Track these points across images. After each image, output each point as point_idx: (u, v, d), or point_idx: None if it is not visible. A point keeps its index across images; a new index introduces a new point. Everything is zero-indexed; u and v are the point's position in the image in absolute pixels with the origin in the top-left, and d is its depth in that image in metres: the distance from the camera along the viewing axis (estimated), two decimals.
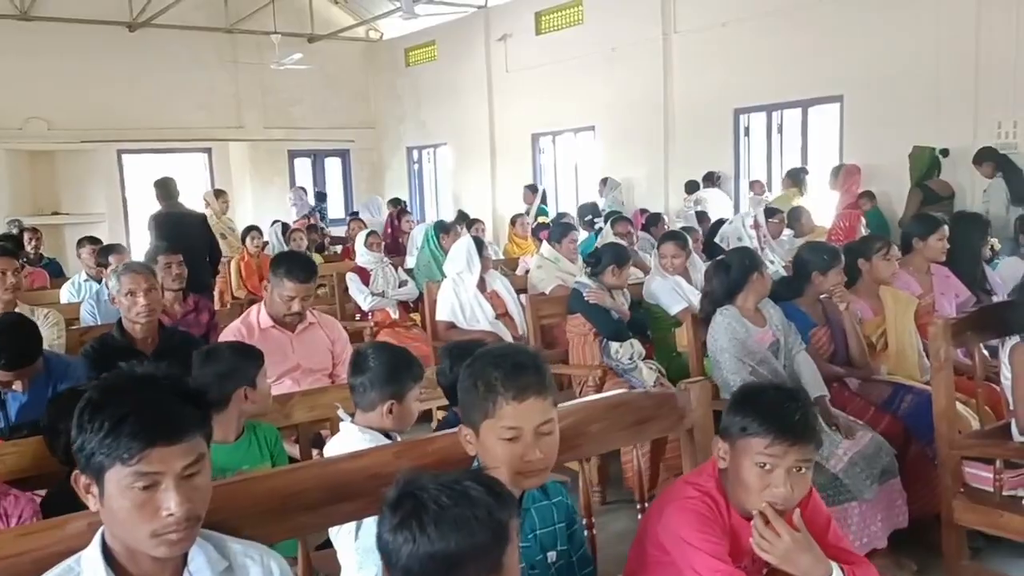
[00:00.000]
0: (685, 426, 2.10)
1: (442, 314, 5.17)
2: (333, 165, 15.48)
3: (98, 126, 12.02)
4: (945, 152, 7.50)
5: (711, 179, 9.00)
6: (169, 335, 3.21)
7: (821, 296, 3.84)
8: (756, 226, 5.49)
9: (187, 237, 5.87)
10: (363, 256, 6.34)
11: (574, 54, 11.04)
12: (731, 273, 3.67)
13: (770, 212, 7.07)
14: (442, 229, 7.07)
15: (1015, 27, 7.01)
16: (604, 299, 4.33)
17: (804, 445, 1.79)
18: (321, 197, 11.13)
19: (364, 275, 6.24)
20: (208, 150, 13.22)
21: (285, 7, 13.25)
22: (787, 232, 7.32)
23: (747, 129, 9.44)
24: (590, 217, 8.27)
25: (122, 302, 3.15)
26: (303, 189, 12.93)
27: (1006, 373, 3.00)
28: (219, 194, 9.02)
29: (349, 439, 2.30)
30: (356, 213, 9.37)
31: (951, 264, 4.40)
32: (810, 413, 1.86)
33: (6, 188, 11.32)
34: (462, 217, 8.76)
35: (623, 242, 5.72)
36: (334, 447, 2.31)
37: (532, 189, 10.89)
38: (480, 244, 5.22)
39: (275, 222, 9.20)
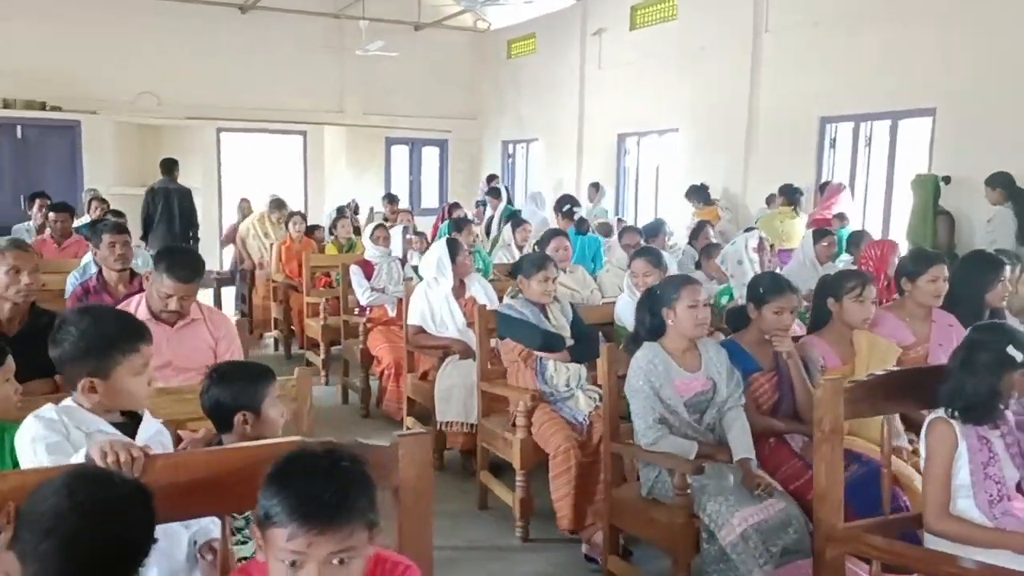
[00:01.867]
0: (390, 484, 1.79)
1: (412, 318, 4.98)
2: (430, 154, 15.53)
3: (202, 103, 12.53)
4: (947, 180, 7.11)
5: (786, 193, 8.31)
6: (37, 316, 3.15)
7: (765, 336, 3.36)
8: (760, 249, 4.93)
9: (173, 206, 8.76)
10: (369, 250, 6.22)
11: (664, 52, 10.55)
12: (655, 304, 3.27)
13: (820, 235, 6.44)
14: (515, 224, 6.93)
15: None
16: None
17: (339, 530, 1.40)
18: (392, 198, 11.10)
19: (368, 269, 6.13)
20: (304, 133, 13.50)
21: None
22: (845, 257, 6.66)
23: (833, 140, 8.66)
24: (568, 207, 7.87)
25: (0, 278, 3.10)
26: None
27: (922, 452, 2.48)
28: (276, 205, 9.04)
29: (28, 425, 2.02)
30: (343, 208, 9.28)
31: (952, 309, 3.77)
32: (354, 486, 1.45)
33: (113, 159, 11.98)
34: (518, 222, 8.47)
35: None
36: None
37: (595, 187, 10.49)
38: (456, 249, 4.96)
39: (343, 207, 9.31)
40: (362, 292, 5.97)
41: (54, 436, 1.96)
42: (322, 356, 6.75)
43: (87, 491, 1.47)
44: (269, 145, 13.61)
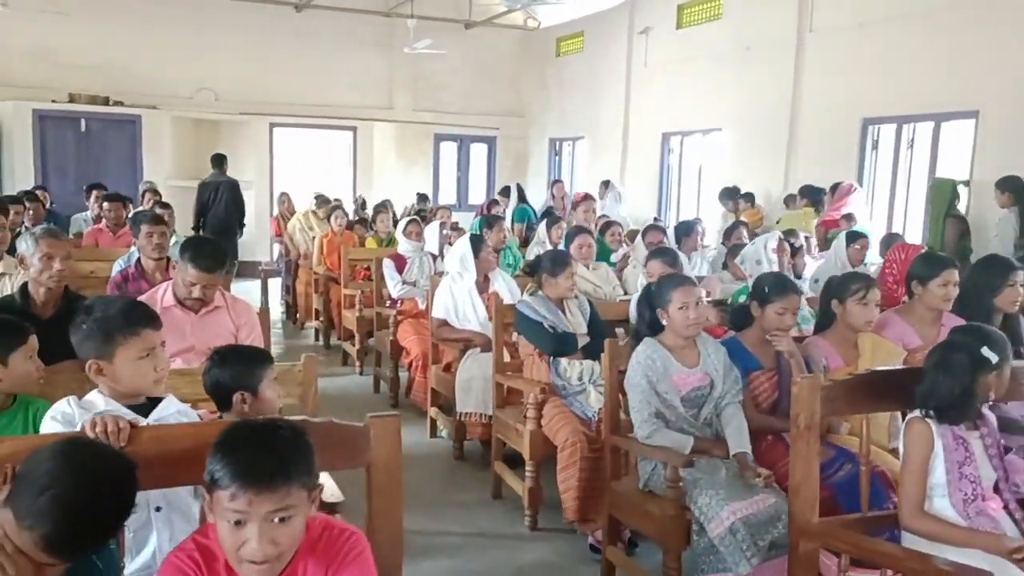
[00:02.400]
0: (363, 462, 1.92)
1: (436, 311, 5.13)
2: (478, 151, 15.70)
3: (256, 99, 12.91)
4: (966, 183, 7.19)
5: (808, 194, 8.30)
6: (70, 301, 3.36)
7: (766, 335, 3.41)
8: (780, 250, 4.93)
9: (223, 198, 9.67)
10: (402, 244, 6.39)
11: (709, 51, 10.53)
12: (653, 302, 3.35)
13: (853, 236, 6.39)
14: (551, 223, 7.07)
15: None
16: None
17: (276, 490, 1.53)
18: (422, 198, 11.39)
19: (401, 263, 6.30)
20: (353, 128, 13.80)
21: None
22: (878, 259, 6.60)
23: (876, 143, 8.55)
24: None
25: (35, 264, 3.32)
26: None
27: (901, 451, 2.53)
28: (321, 202, 9.40)
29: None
30: (386, 202, 9.52)
31: (961, 313, 3.75)
32: (291, 451, 1.58)
33: (171, 152, 12.43)
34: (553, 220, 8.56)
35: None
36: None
37: (606, 184, 10.52)
38: (479, 245, 5.09)
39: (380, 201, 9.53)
40: (393, 285, 6.15)
41: (65, 428, 2.12)
42: (357, 347, 6.96)
43: (79, 456, 1.64)
44: (321, 140, 13.94)
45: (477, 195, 15.41)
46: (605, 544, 3.49)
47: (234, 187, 9.87)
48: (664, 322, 3.28)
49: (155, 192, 8.59)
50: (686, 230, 7.02)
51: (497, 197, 10.45)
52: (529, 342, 4.10)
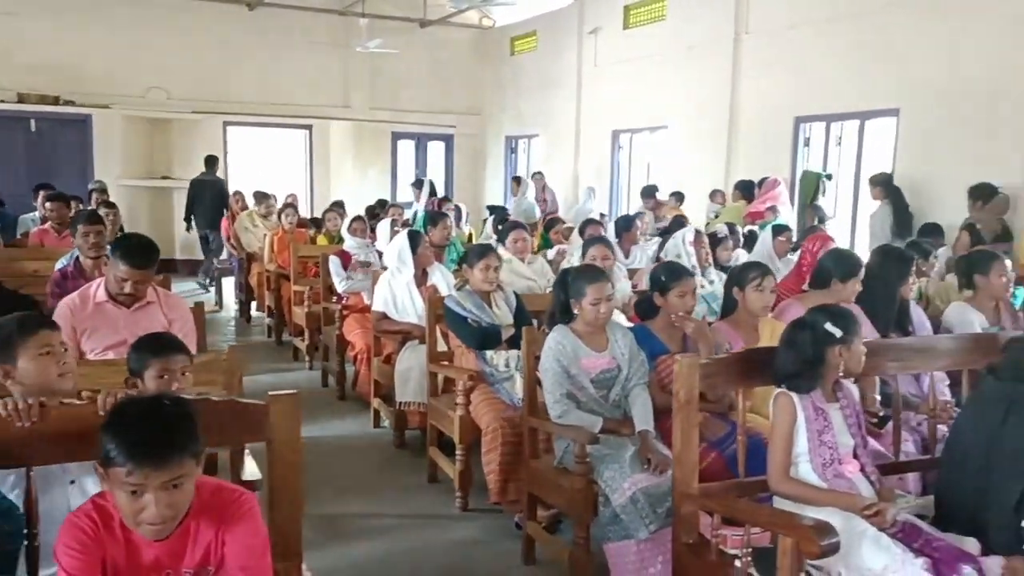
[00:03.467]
0: (264, 438, 2.13)
1: (376, 305, 5.32)
2: (436, 149, 15.89)
3: (209, 98, 12.95)
4: (829, 176, 8.15)
5: (741, 188, 8.75)
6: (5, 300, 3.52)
7: (673, 320, 3.67)
8: (697, 243, 5.20)
9: (206, 196, 10.79)
10: (348, 241, 6.57)
11: (654, 51, 10.85)
12: (568, 291, 3.58)
13: (779, 229, 6.70)
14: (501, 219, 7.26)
15: None
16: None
17: (168, 463, 1.71)
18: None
19: (346, 259, 6.48)
20: (309, 127, 13.90)
21: None
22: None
23: (808, 140, 8.90)
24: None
25: None
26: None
27: (770, 422, 2.79)
28: (260, 197, 9.60)
29: None
30: (340, 202, 9.80)
31: (863, 303, 4.04)
32: (177, 425, 1.75)
33: (121, 151, 12.44)
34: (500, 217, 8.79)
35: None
36: None
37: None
38: (417, 240, 5.30)
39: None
40: (339, 281, 6.33)
41: None
42: (306, 342, 7.13)
43: None
44: (276, 139, 14.02)
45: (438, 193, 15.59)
46: (525, 519, 3.72)
47: (215, 185, 10.95)
48: (576, 311, 3.51)
49: (103, 192, 8.67)
50: (626, 225, 7.28)
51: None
52: (455, 335, 4.31)
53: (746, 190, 8.44)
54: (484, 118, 15.64)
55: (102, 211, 8.18)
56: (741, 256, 6.84)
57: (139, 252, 3.55)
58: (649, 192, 9.99)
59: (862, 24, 7.94)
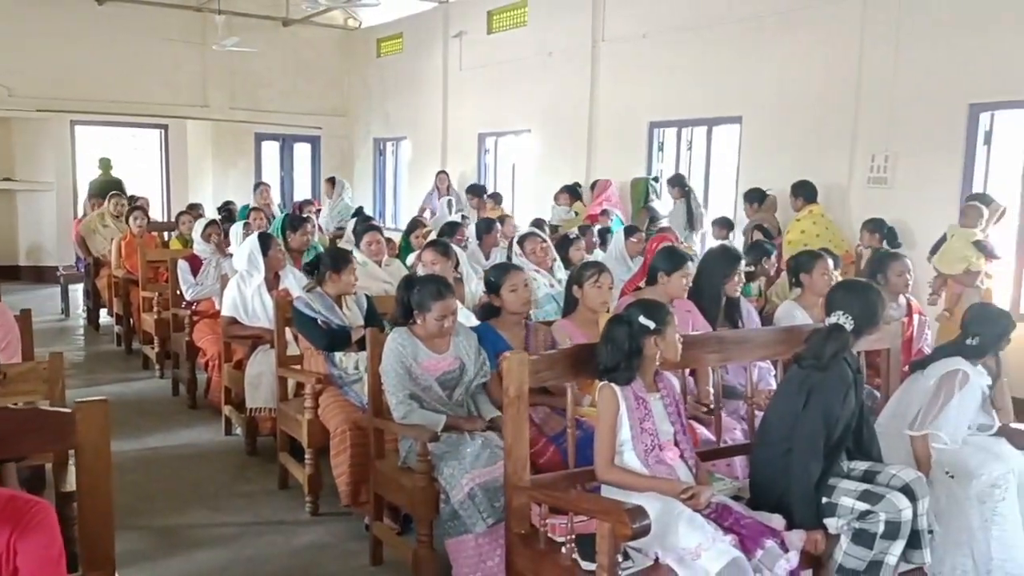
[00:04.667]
0: (70, 446, 2.06)
1: (225, 310, 5.20)
2: (302, 151, 15.58)
3: (55, 96, 12.21)
4: (656, 179, 8.85)
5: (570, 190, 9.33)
6: None
7: (511, 316, 3.77)
8: (533, 244, 5.32)
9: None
10: (198, 245, 6.37)
11: (517, 56, 11.01)
12: (412, 295, 3.61)
13: (630, 231, 6.96)
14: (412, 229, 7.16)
15: (893, 64, 6.80)
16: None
17: None
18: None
19: (197, 264, 6.29)
20: (164, 127, 13.36)
21: None
22: None
23: (662, 144, 9.29)
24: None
25: None
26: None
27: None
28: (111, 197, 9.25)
29: None
30: (196, 205, 9.60)
31: (694, 298, 4.27)
32: None
33: None
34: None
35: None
36: None
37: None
38: (268, 244, 5.20)
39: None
40: (187, 287, 6.13)
41: None
42: (156, 349, 6.86)
43: None
44: (129, 140, 13.41)
45: (303, 195, 15.28)
46: (372, 520, 3.73)
47: (120, 186, 10.89)
48: (419, 321, 3.55)
49: None
50: (487, 228, 7.37)
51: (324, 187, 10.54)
52: (303, 336, 4.27)
53: (574, 194, 8.95)
54: (352, 120, 15.45)
55: None
56: (598, 256, 7.07)
57: None
58: (476, 191, 10.52)
59: (707, 35, 8.35)
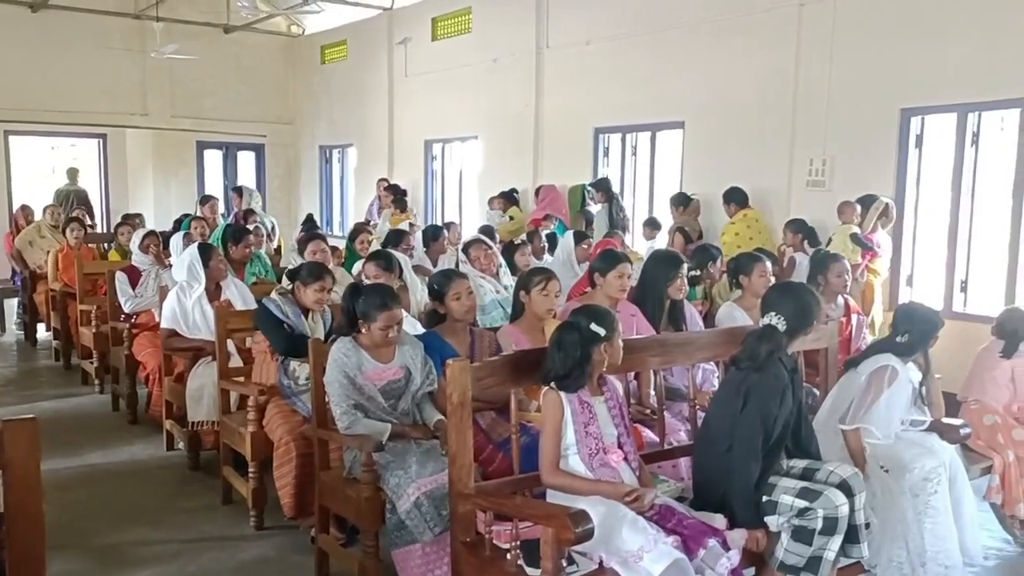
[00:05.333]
0: None
1: (164, 321, 5.10)
2: (246, 159, 15.36)
3: None
4: (592, 185, 8.86)
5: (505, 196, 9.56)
6: None
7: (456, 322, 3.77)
8: (478, 250, 5.32)
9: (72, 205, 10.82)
10: (136, 257, 6.24)
11: (462, 63, 11.01)
12: (357, 304, 3.58)
13: (579, 237, 6.99)
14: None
15: (828, 70, 6.98)
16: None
17: None
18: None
19: (136, 275, 6.15)
20: (103, 136, 13.06)
21: None
22: None
23: (607, 149, 9.38)
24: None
25: None
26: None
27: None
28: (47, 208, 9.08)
29: None
30: (134, 215, 9.42)
31: (639, 302, 4.32)
32: None
33: None
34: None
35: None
36: None
37: (237, 192, 10.71)
38: (209, 254, 5.11)
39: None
40: (125, 300, 6.00)
41: None
42: (95, 364, 6.70)
43: None
44: (67, 149, 13.08)
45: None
46: (318, 533, 3.68)
47: (83, 196, 11.46)
48: (364, 330, 3.52)
49: None
50: (434, 235, 7.36)
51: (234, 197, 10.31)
52: (265, 336, 4.19)
53: (509, 198, 9.20)
54: (297, 127, 15.29)
55: None
56: (547, 261, 7.09)
57: None
58: (396, 191, 10.78)
59: (649, 42, 8.45)
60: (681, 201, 7.81)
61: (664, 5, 8.33)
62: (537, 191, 9.05)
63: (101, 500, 4.55)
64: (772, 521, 2.86)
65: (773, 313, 2.99)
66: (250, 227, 7.25)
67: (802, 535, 2.82)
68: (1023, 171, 6.02)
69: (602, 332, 2.78)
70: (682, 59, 8.15)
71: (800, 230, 6.76)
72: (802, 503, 2.81)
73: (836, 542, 2.81)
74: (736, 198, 7.30)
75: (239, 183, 14.96)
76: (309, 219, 9.13)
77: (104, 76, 13.14)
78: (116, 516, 4.30)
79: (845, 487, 2.88)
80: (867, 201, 6.54)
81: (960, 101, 6.28)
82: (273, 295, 4.39)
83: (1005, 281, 6.15)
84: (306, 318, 4.34)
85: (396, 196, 10.36)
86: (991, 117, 6.32)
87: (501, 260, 5.53)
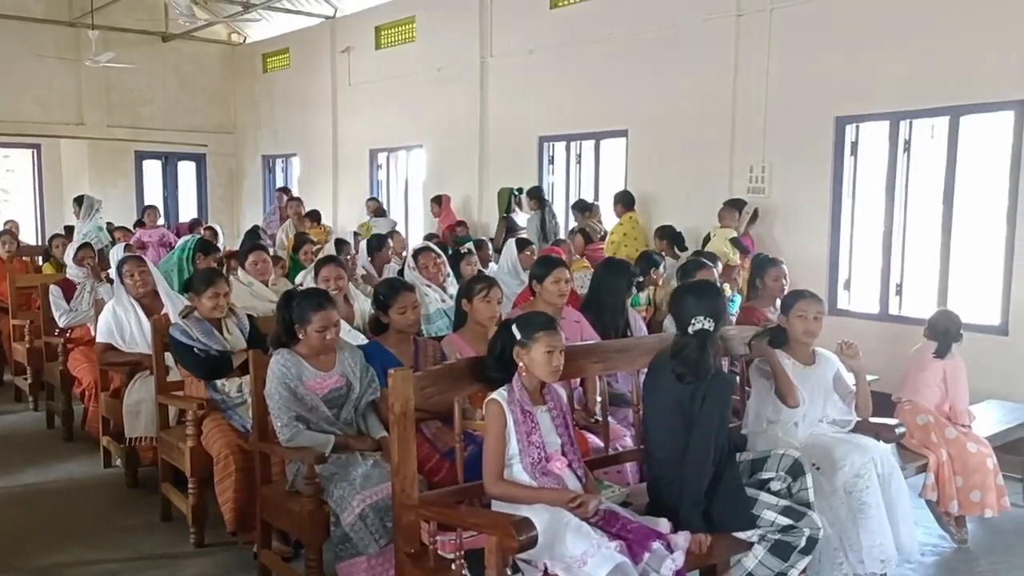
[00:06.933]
0: None
1: (100, 336, 4.96)
2: (187, 169, 15.08)
3: None
4: (520, 190, 9.12)
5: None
6: None
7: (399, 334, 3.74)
8: (425, 259, 5.29)
9: None
10: (71, 269, 6.07)
11: (407, 72, 10.99)
12: (292, 309, 3.53)
13: (522, 244, 7.00)
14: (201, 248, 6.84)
15: (765, 79, 7.12)
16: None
17: None
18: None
19: (70, 289, 5.98)
20: (37, 146, 12.70)
21: (136, 4, 12.93)
22: None
23: (552, 157, 9.44)
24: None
25: None
26: None
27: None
28: None
29: None
30: (71, 228, 9.16)
31: (590, 310, 4.34)
32: None
33: None
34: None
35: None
36: None
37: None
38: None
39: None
40: (60, 314, 5.82)
41: None
42: (29, 380, 6.50)
43: None
44: (3, 160, 12.69)
45: (189, 215, 14.77)
46: (259, 548, 3.62)
47: None
48: (300, 336, 3.47)
49: None
50: (378, 244, 7.30)
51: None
52: (182, 367, 4.11)
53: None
54: (239, 137, 15.07)
55: None
56: (492, 269, 7.09)
57: None
58: (286, 193, 11.17)
59: (591, 52, 8.54)
60: (584, 207, 8.44)
61: (605, 16, 8.43)
62: (438, 199, 9.71)
63: (36, 520, 4.41)
64: (747, 532, 2.92)
65: (701, 316, 3.00)
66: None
67: (781, 550, 2.88)
68: (952, 178, 6.21)
69: (517, 335, 2.81)
70: (624, 68, 8.25)
71: (666, 236, 7.15)
72: (786, 520, 2.87)
73: (805, 562, 2.89)
74: (624, 200, 7.85)
75: (176, 195, 14.79)
76: (253, 231, 8.97)
77: (38, 85, 12.84)
78: (52, 536, 4.16)
79: (797, 467, 2.98)
80: (738, 205, 7.01)
81: (892, 109, 6.46)
82: (176, 320, 4.27)
83: (937, 284, 6.33)
84: (221, 332, 4.24)
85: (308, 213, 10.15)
86: (922, 125, 6.51)
87: (448, 269, 5.50)
